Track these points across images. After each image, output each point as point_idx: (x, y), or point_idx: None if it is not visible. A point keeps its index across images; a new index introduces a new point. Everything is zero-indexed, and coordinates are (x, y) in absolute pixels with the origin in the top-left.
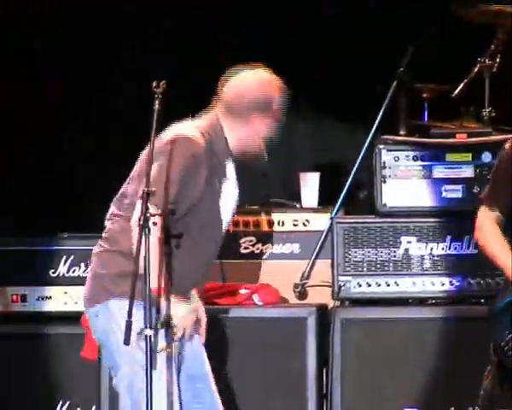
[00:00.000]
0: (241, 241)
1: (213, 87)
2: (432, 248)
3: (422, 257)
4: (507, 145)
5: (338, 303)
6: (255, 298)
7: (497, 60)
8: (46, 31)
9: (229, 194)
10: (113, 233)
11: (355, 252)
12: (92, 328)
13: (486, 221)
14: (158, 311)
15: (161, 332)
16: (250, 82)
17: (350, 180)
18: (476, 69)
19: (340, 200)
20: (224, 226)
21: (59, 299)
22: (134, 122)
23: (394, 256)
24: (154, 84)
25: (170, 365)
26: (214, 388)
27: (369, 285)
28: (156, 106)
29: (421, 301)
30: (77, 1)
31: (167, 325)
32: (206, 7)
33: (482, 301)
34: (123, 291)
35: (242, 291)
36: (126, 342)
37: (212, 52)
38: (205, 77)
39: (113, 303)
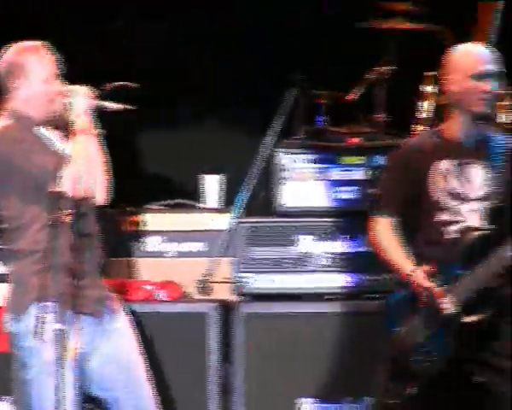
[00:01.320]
0: (147, 239)
1: None
2: (328, 247)
3: (319, 255)
4: (398, 148)
5: (239, 299)
6: (159, 294)
7: (392, 67)
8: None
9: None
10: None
11: (256, 250)
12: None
13: (379, 227)
14: None
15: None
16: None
17: (250, 181)
18: (371, 76)
19: (241, 200)
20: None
21: None
22: None
23: (292, 254)
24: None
25: (64, 363)
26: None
27: (269, 281)
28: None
29: (317, 297)
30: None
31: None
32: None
33: (375, 296)
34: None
35: (147, 287)
36: (36, 336)
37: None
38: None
39: None
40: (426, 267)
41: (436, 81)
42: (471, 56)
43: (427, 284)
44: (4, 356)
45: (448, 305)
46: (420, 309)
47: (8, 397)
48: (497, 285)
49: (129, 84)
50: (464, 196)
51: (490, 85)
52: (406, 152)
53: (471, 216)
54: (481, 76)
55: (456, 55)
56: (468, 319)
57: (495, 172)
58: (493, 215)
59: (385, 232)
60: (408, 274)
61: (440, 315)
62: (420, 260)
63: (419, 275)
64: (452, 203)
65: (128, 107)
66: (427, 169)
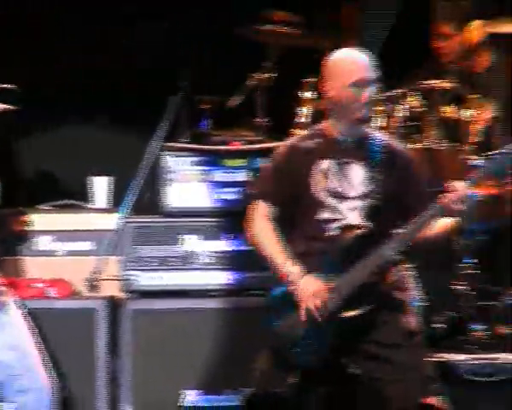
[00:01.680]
0: (38, 239)
1: None
2: (211, 245)
3: (203, 253)
4: (281, 147)
5: (127, 296)
6: (50, 291)
7: (272, 74)
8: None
9: None
10: None
11: (142, 249)
12: None
13: (259, 216)
14: None
15: None
16: None
17: (138, 183)
18: (252, 82)
19: (128, 201)
20: None
21: None
22: None
23: (178, 252)
24: None
25: None
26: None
27: (155, 279)
28: None
29: (202, 293)
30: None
31: None
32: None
33: (257, 292)
34: None
35: (37, 285)
36: None
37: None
38: None
39: None
40: (307, 273)
41: (314, 87)
42: (348, 64)
43: (305, 283)
44: None
45: (328, 300)
46: (300, 304)
47: None
48: (376, 281)
49: (6, 86)
50: (344, 195)
51: (368, 92)
52: (289, 151)
53: (351, 214)
54: (359, 84)
55: (333, 62)
56: (347, 314)
57: (373, 172)
58: (371, 213)
59: (263, 223)
60: (286, 273)
61: (320, 310)
62: (300, 255)
63: (297, 274)
64: (332, 201)
65: (10, 107)
66: (308, 168)
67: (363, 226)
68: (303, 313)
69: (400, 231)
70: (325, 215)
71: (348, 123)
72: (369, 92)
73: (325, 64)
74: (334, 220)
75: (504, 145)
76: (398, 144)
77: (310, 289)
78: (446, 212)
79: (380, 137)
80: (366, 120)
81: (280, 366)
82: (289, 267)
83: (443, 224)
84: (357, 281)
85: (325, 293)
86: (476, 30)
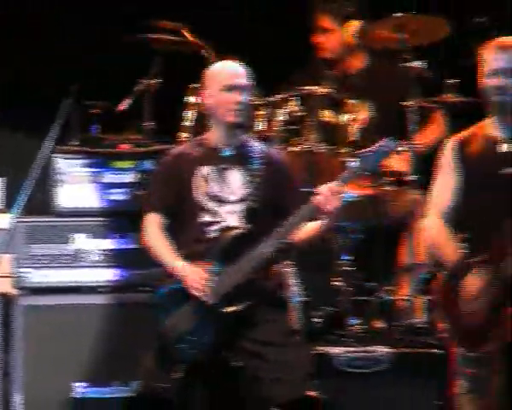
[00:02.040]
0: None
1: None
2: (101, 244)
3: (92, 251)
4: (165, 156)
5: (19, 292)
6: None
7: (158, 80)
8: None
9: None
10: None
11: (34, 247)
12: None
13: (150, 226)
14: None
15: None
16: None
17: (30, 183)
18: (140, 88)
19: (20, 201)
20: None
21: None
22: None
23: (68, 250)
24: None
25: None
26: None
27: (47, 276)
28: None
29: (91, 290)
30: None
31: None
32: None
33: (144, 289)
34: None
35: None
36: None
37: None
38: None
39: None
40: (193, 265)
41: (197, 92)
42: (223, 71)
43: (194, 279)
44: None
45: (211, 297)
46: (186, 301)
47: None
48: (256, 278)
49: None
50: (223, 199)
51: (240, 97)
52: (173, 159)
53: (230, 217)
54: (231, 88)
55: (210, 71)
56: (229, 310)
57: (251, 177)
58: (249, 215)
59: (154, 229)
60: (176, 270)
61: (204, 306)
62: (187, 257)
63: (186, 271)
64: (212, 205)
65: None
66: (191, 174)
67: (240, 228)
68: (189, 308)
69: (276, 230)
70: (206, 218)
71: (224, 129)
72: (241, 98)
73: (205, 72)
74: (215, 223)
75: (375, 144)
76: (274, 151)
77: (197, 277)
78: (319, 211)
79: (258, 144)
80: (240, 126)
81: (165, 362)
82: (174, 261)
83: (316, 224)
84: (236, 278)
85: (209, 290)
86: (354, 30)
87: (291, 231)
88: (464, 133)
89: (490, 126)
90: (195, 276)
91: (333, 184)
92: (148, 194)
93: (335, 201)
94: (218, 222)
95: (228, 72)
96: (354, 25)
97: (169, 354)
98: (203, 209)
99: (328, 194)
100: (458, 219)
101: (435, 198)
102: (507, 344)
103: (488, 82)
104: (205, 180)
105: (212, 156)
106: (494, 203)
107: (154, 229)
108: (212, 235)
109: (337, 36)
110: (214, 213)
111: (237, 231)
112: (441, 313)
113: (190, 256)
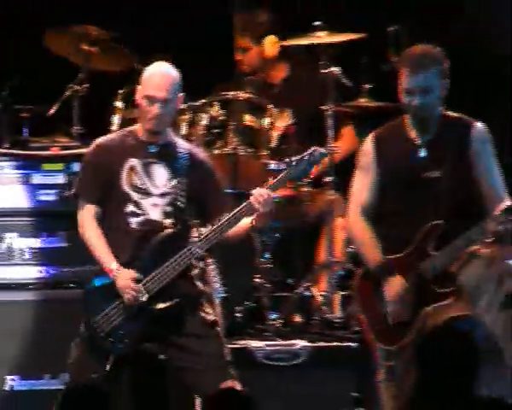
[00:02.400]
0: None
1: None
2: (31, 242)
3: (23, 250)
4: (92, 145)
5: None
6: None
7: (86, 85)
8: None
9: None
10: None
11: None
12: None
13: (86, 217)
14: None
15: None
16: None
17: None
18: (69, 93)
19: None
20: None
21: None
22: None
23: (0, 249)
24: None
25: None
26: None
27: None
28: None
29: (23, 286)
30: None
31: None
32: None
33: (74, 285)
34: None
35: None
36: None
37: None
38: None
39: None
40: (129, 271)
41: (125, 98)
42: (149, 79)
43: (126, 283)
44: None
45: (142, 293)
46: (116, 296)
47: None
48: (183, 276)
49: None
50: (147, 192)
51: (158, 110)
52: (103, 148)
53: (153, 210)
54: (151, 100)
55: (146, 71)
56: (159, 306)
57: (175, 174)
58: (172, 211)
59: (89, 221)
60: (110, 270)
61: (135, 302)
62: (112, 247)
63: (119, 274)
64: (137, 197)
65: None
66: (118, 165)
67: (164, 223)
68: (119, 304)
69: (207, 229)
70: (130, 209)
71: (145, 130)
72: (159, 111)
73: (143, 70)
74: (138, 215)
75: (304, 151)
76: (199, 151)
77: (126, 280)
78: (252, 212)
79: (184, 143)
80: (157, 133)
81: (95, 355)
82: (109, 261)
83: (244, 223)
84: (166, 276)
85: (140, 286)
86: (271, 44)
87: (224, 231)
88: (382, 132)
89: (408, 127)
90: (127, 280)
91: (265, 190)
92: (80, 182)
93: (267, 204)
94: (141, 214)
95: (152, 82)
96: (271, 40)
97: (99, 347)
98: (129, 200)
99: (261, 198)
100: (377, 216)
101: (356, 196)
102: (421, 339)
103: (405, 98)
104: (132, 172)
105: (140, 150)
106: (412, 205)
107: (88, 220)
108: (135, 226)
109: (255, 53)
110: (138, 205)
111: (166, 232)
112: (359, 309)
113: (115, 246)
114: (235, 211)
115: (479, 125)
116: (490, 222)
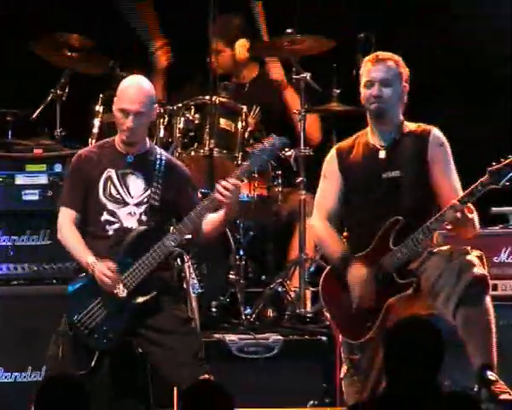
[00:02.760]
0: None
1: None
2: (15, 240)
3: (7, 247)
4: (75, 157)
5: None
6: None
7: (67, 90)
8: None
9: None
10: None
11: None
12: None
13: (64, 221)
14: None
15: None
16: None
17: None
18: (50, 97)
19: None
20: None
21: None
22: None
23: None
24: None
25: None
26: None
27: None
28: None
29: (7, 282)
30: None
31: None
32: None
33: (56, 282)
34: None
35: None
36: None
37: None
38: None
39: None
40: (105, 262)
41: (105, 102)
42: (123, 92)
43: (103, 273)
44: None
45: (121, 289)
46: (97, 294)
47: None
48: (157, 271)
49: None
50: (123, 201)
51: (131, 123)
52: (83, 159)
53: (128, 219)
54: (124, 112)
55: (121, 84)
56: (138, 301)
57: (151, 182)
58: (148, 216)
59: (67, 224)
60: (88, 263)
61: (115, 298)
62: (92, 251)
63: (97, 265)
64: (112, 206)
65: None
66: (96, 176)
67: (144, 226)
68: (102, 301)
69: (178, 225)
70: (105, 217)
71: (120, 141)
72: (131, 123)
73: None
74: (113, 223)
75: (264, 141)
76: (174, 159)
77: (103, 268)
78: (218, 203)
79: (159, 151)
80: (131, 144)
81: (79, 352)
82: (86, 255)
83: (216, 216)
84: (143, 270)
85: (119, 283)
86: (242, 47)
87: (192, 225)
88: (346, 142)
89: (369, 134)
90: (105, 270)
91: (230, 180)
92: (62, 191)
93: (233, 194)
94: (116, 222)
95: (126, 95)
96: (242, 43)
97: (83, 344)
98: (104, 209)
99: (227, 188)
100: (341, 220)
101: (319, 202)
102: (385, 332)
103: (365, 91)
104: (109, 182)
105: (117, 160)
106: (373, 205)
107: (66, 223)
108: (111, 233)
109: (227, 55)
110: (113, 214)
111: (140, 228)
112: (325, 305)
113: (92, 250)
114: (202, 203)
115: (435, 130)
116: (447, 211)
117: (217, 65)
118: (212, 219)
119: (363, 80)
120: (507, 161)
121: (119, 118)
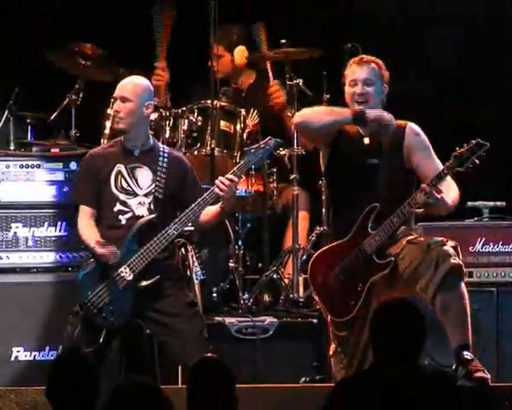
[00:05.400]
0: None
1: None
2: (34, 232)
3: (27, 238)
4: (87, 155)
5: None
6: None
7: (82, 94)
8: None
9: None
10: None
11: None
12: None
13: (82, 218)
14: None
15: None
16: None
17: None
18: (66, 102)
19: None
20: None
21: None
22: None
23: (7, 237)
24: None
25: None
26: None
27: None
28: None
29: (27, 270)
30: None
31: None
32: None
33: (70, 269)
34: None
35: None
36: None
37: None
38: None
39: None
40: (109, 245)
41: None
42: (120, 83)
43: (104, 248)
44: None
45: (128, 273)
46: (106, 277)
47: None
48: (162, 257)
49: None
50: (133, 192)
51: (118, 107)
52: (94, 157)
53: (139, 208)
54: (115, 98)
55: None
56: (143, 284)
57: (157, 174)
58: (155, 206)
59: (84, 220)
60: (93, 247)
61: (121, 281)
62: (106, 239)
63: (102, 249)
64: (124, 197)
65: None
66: (108, 171)
67: (148, 217)
68: (109, 283)
69: (181, 215)
70: (118, 207)
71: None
72: (117, 106)
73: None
74: (126, 212)
75: (260, 142)
76: (175, 152)
77: (103, 245)
78: (218, 197)
79: (164, 147)
80: (121, 132)
81: (89, 330)
82: (92, 240)
83: (216, 208)
84: (148, 256)
85: (125, 267)
86: (240, 53)
87: (194, 216)
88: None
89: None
90: (104, 246)
91: (228, 176)
92: (77, 188)
93: (230, 189)
94: (128, 211)
95: (119, 85)
96: (240, 50)
97: (92, 322)
98: (118, 200)
99: (225, 183)
100: (330, 202)
101: None
102: (371, 313)
103: (350, 90)
104: (119, 176)
105: (125, 156)
106: (357, 189)
107: (84, 219)
108: (124, 222)
109: (227, 60)
110: (125, 204)
111: (146, 217)
112: (313, 287)
113: (107, 239)
114: (203, 196)
115: (411, 123)
116: (418, 194)
117: (217, 69)
118: (210, 211)
119: (347, 80)
120: (469, 146)
121: (114, 107)
